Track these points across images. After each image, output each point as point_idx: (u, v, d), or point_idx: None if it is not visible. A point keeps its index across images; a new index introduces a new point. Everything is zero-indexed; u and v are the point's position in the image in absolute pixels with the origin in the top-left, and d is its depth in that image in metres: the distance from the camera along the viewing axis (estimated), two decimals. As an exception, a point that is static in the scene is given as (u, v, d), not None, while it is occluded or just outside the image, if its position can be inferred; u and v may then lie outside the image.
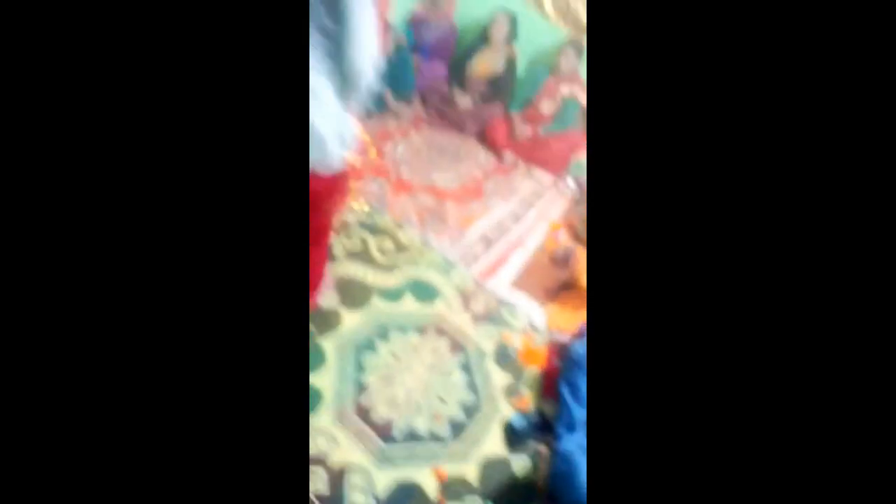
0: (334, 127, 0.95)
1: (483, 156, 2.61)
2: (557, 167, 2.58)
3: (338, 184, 1.10)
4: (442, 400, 1.34)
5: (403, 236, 1.84)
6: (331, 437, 1.18)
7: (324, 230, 1.26)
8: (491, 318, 1.64)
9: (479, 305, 1.67)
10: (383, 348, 1.42)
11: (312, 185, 0.98)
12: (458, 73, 2.76)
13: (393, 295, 1.58)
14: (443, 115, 2.73)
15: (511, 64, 2.73)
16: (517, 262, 1.96)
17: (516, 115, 2.70)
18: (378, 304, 1.54)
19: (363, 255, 1.70)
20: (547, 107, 2.65)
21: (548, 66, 2.67)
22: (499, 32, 2.66)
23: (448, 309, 1.61)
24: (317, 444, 1.15)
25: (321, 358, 1.33)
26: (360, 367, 1.34)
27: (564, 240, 2.15)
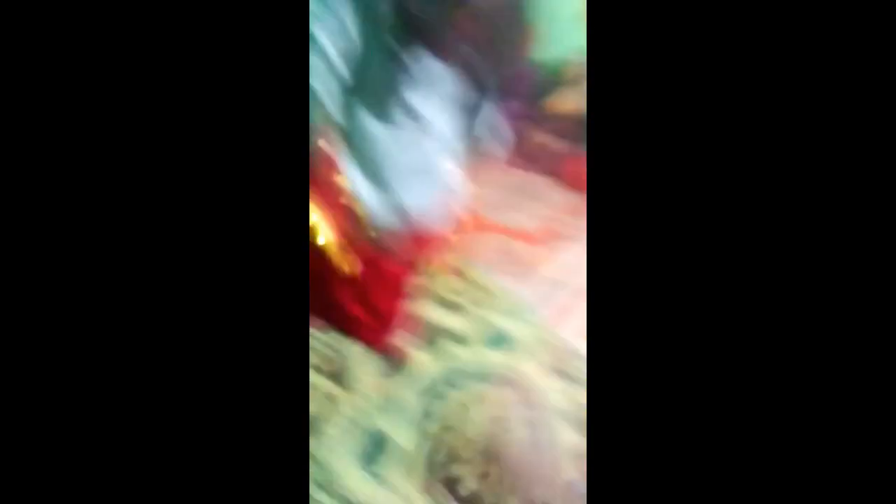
0: (452, 185, 0.98)
1: (558, 196, 2.57)
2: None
3: (440, 240, 1.14)
4: (507, 460, 1.31)
5: (476, 276, 1.84)
6: (393, 486, 1.18)
7: (409, 272, 1.29)
8: (562, 371, 1.59)
9: (550, 356, 1.62)
10: (453, 397, 1.41)
11: (415, 238, 1.02)
12: (534, 110, 2.77)
13: (463, 339, 1.58)
14: (518, 152, 2.74)
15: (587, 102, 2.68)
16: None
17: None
18: (448, 347, 1.54)
19: (434, 294, 1.72)
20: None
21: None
22: (576, 71, 2.63)
23: (519, 359, 1.58)
24: (377, 495, 1.16)
25: (391, 401, 1.35)
26: (428, 416, 1.34)
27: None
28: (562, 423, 1.43)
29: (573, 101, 2.70)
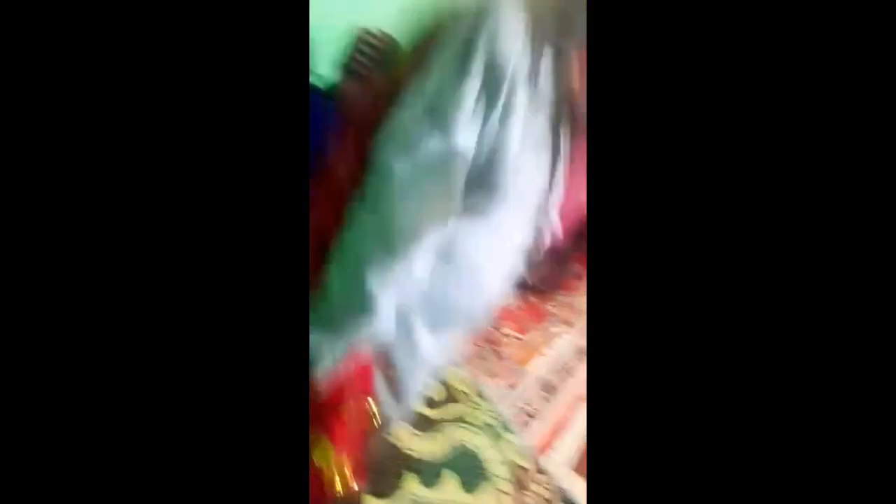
0: None
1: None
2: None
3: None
4: None
5: (455, 379, 1.54)
6: None
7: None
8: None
9: (532, 499, 1.35)
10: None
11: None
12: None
13: (431, 474, 1.28)
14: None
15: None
16: (580, 426, 1.63)
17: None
18: (411, 487, 1.24)
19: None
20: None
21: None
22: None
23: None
24: None
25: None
26: None
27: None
28: None
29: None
